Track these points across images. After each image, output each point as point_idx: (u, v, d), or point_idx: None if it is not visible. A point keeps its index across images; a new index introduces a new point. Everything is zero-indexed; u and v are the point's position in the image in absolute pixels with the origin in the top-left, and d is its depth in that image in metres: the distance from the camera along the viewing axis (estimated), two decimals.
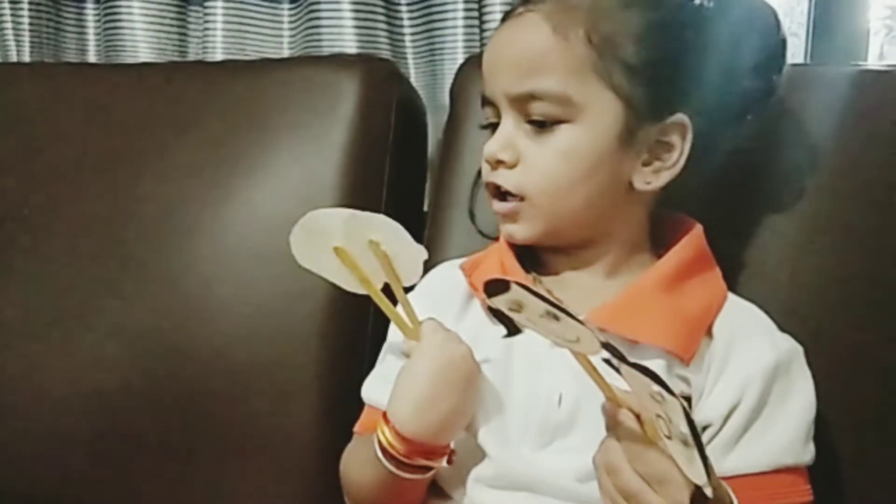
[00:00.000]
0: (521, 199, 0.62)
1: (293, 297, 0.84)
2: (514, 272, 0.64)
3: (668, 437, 0.46)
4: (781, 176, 0.73)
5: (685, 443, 0.45)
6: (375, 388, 0.68)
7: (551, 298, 0.48)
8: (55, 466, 0.87)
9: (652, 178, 0.62)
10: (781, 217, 0.72)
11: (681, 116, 0.61)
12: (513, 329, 0.53)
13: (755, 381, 0.58)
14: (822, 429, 0.63)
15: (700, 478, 0.45)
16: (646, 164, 0.62)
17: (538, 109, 0.60)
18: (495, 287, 0.49)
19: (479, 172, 0.67)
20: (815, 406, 0.60)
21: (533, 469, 0.59)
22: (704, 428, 0.59)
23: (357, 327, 0.84)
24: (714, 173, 0.68)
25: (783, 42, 0.66)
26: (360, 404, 0.71)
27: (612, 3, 0.60)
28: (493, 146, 0.62)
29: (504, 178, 0.62)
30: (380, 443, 0.57)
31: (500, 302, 0.49)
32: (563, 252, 0.65)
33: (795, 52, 0.99)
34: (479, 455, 0.61)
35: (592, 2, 0.60)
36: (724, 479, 0.54)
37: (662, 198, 0.66)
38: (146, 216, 0.90)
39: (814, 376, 0.61)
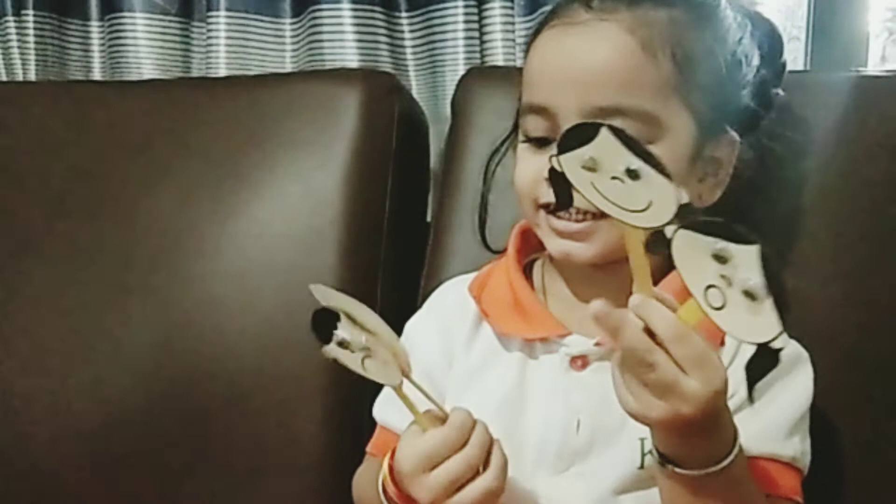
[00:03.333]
0: (601, 217, 0.58)
1: (298, 310, 0.83)
2: (524, 292, 0.64)
3: (721, 308, 0.43)
4: (782, 182, 0.73)
5: (752, 296, 0.43)
6: (385, 409, 0.68)
7: (642, 145, 0.46)
8: (63, 486, 0.88)
9: (706, 194, 0.62)
10: (782, 223, 0.72)
11: (733, 134, 0.62)
12: (564, 200, 0.49)
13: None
14: (824, 424, 0.63)
15: (772, 330, 0.43)
16: (700, 181, 0.62)
17: (622, 126, 0.58)
18: (576, 135, 0.46)
19: (484, 185, 0.66)
20: (807, 405, 0.60)
21: (548, 495, 0.59)
22: None
23: None
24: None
25: (784, 64, 0.68)
26: (365, 412, 0.71)
27: (688, 19, 0.59)
28: None
29: (579, 199, 0.59)
30: (383, 483, 0.58)
31: (570, 159, 0.46)
32: (598, 268, 0.62)
33: (796, 56, 1.00)
34: None
35: (670, 17, 0.59)
36: None
37: None
38: (151, 233, 0.90)
39: (817, 372, 0.61)
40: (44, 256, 0.93)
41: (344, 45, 1.03)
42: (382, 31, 1.03)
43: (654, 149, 0.57)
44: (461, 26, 1.00)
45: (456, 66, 1.00)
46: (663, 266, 0.62)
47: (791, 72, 0.70)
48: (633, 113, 0.58)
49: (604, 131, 0.45)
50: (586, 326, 0.61)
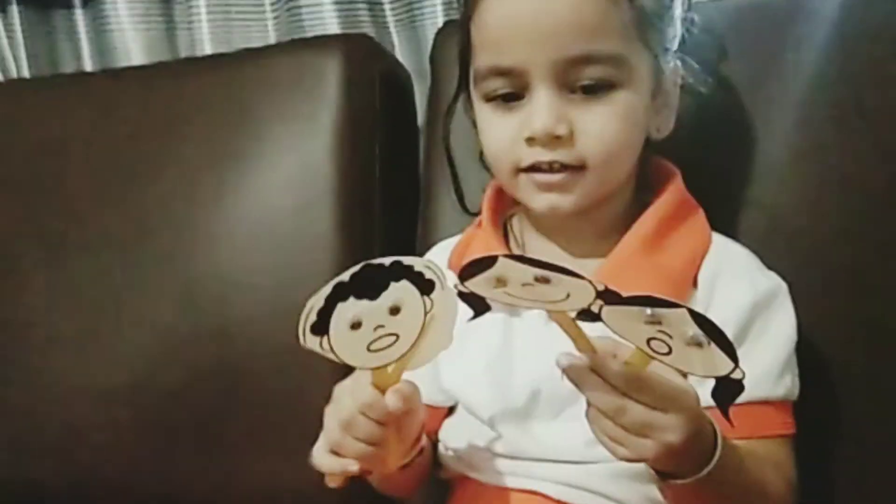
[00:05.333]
0: (580, 168, 0.59)
1: (298, 279, 0.86)
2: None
3: (668, 353, 0.45)
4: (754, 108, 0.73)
5: (699, 345, 0.44)
6: None
7: (543, 260, 0.47)
8: (83, 455, 0.92)
9: (663, 125, 0.63)
10: (760, 147, 0.72)
11: (677, 63, 0.62)
12: (480, 309, 0.50)
13: (730, 323, 0.59)
14: (812, 353, 0.64)
15: (725, 367, 0.44)
16: (657, 114, 0.63)
17: (593, 73, 0.58)
18: (475, 268, 0.47)
19: (448, 153, 0.66)
20: (794, 341, 0.61)
21: (544, 440, 0.61)
22: None
23: None
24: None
25: None
26: None
27: None
28: (548, 121, 0.58)
29: (562, 154, 0.59)
30: None
31: (477, 283, 0.48)
32: (573, 217, 0.62)
33: None
34: (493, 434, 0.63)
35: None
36: None
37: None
38: (153, 216, 0.93)
39: (799, 298, 0.62)
40: (56, 242, 0.96)
41: (322, 9, 1.03)
42: None
43: (625, 91, 0.59)
44: None
45: (435, 20, 1.00)
46: (629, 216, 0.63)
47: None
48: (605, 58, 0.58)
49: (501, 259, 0.46)
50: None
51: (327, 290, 0.50)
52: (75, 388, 0.93)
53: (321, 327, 0.50)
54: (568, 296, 0.47)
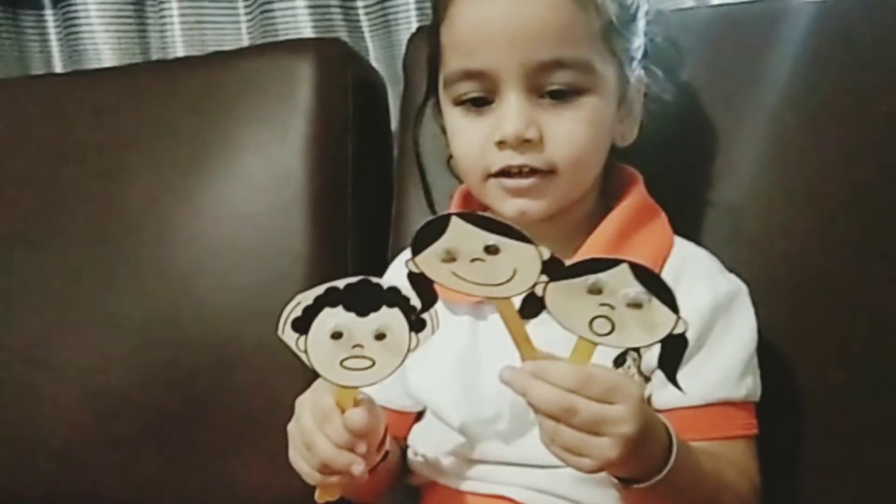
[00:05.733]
0: (549, 173, 0.60)
1: (271, 285, 0.86)
2: None
3: (611, 331, 0.45)
4: (734, 116, 0.74)
5: (639, 305, 0.45)
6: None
7: (497, 219, 0.47)
8: (51, 462, 0.91)
9: (627, 133, 0.64)
10: (726, 153, 0.73)
11: (640, 71, 0.63)
12: (428, 298, 0.49)
13: (692, 324, 0.59)
14: (776, 354, 0.65)
15: (667, 322, 0.45)
16: (621, 122, 0.64)
17: (563, 79, 0.59)
18: (428, 233, 0.46)
19: (417, 158, 0.67)
20: (755, 342, 0.62)
21: (512, 444, 0.61)
22: (649, 375, 0.60)
23: None
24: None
25: None
26: None
27: None
28: (519, 125, 0.58)
29: (531, 158, 0.59)
30: None
31: (427, 258, 0.47)
32: (544, 222, 0.63)
33: None
34: (461, 439, 0.63)
35: None
36: (660, 412, 0.56)
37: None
38: (123, 220, 0.92)
39: (770, 299, 0.63)
40: (32, 248, 0.95)
41: (296, 12, 1.03)
42: None
43: (593, 97, 0.59)
44: None
45: (409, 25, 1.00)
46: (592, 220, 0.64)
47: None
48: (573, 63, 0.59)
49: (454, 220, 0.45)
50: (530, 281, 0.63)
51: (319, 290, 0.50)
52: (37, 396, 0.92)
53: (302, 326, 0.50)
54: (515, 272, 0.47)
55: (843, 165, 0.71)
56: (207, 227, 0.89)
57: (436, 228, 0.47)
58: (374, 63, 1.03)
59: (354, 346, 0.50)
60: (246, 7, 1.06)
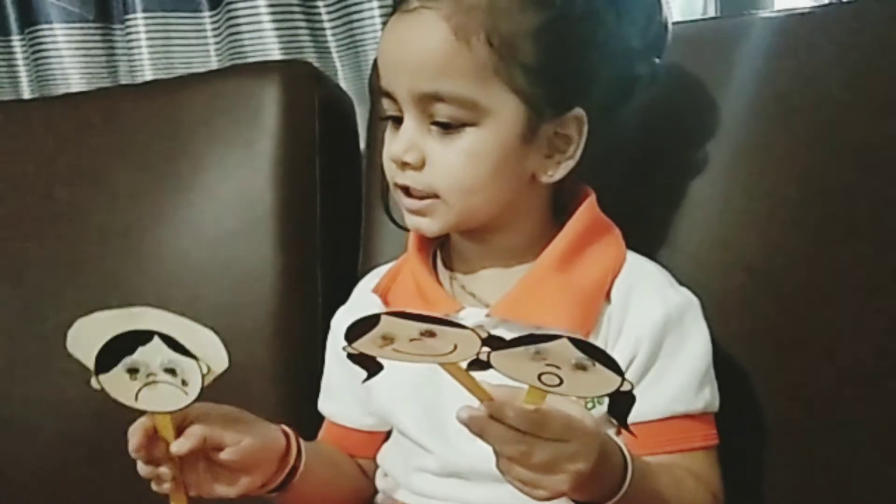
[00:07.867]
0: (434, 196, 0.62)
1: (241, 306, 0.86)
2: (423, 276, 0.66)
3: (560, 384, 0.46)
4: (698, 130, 0.75)
5: (584, 368, 0.45)
6: (323, 401, 0.73)
7: (427, 314, 0.47)
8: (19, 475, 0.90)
9: (553, 170, 0.63)
10: (701, 167, 0.74)
11: (578, 111, 0.62)
12: (373, 369, 0.50)
13: (645, 338, 0.60)
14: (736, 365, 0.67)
15: (613, 382, 0.45)
16: (548, 157, 0.63)
17: (443, 112, 0.60)
18: (359, 328, 0.47)
19: (383, 175, 0.67)
20: (710, 354, 0.62)
21: (470, 459, 0.61)
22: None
23: (308, 322, 0.87)
24: (631, 135, 0.71)
25: (665, 25, 0.67)
26: (311, 404, 0.74)
27: (509, 4, 0.59)
28: (398, 148, 0.61)
29: (412, 179, 0.62)
30: None
31: (364, 344, 0.48)
32: (469, 237, 0.66)
33: (707, 3, 1.00)
34: (423, 451, 0.64)
35: (489, 2, 0.59)
36: None
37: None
38: (90, 243, 0.92)
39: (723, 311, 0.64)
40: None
41: (263, 34, 1.03)
42: (300, 18, 1.03)
43: (477, 131, 0.60)
44: (376, 4, 1.00)
45: (376, 45, 1.01)
46: (544, 238, 0.65)
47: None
48: (451, 98, 0.59)
49: (384, 318, 0.47)
50: (487, 298, 0.64)
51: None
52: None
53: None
54: (455, 347, 0.48)
55: (801, 176, 0.72)
56: (175, 249, 0.89)
57: (367, 324, 0.47)
58: (342, 83, 1.04)
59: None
60: (214, 30, 1.07)
